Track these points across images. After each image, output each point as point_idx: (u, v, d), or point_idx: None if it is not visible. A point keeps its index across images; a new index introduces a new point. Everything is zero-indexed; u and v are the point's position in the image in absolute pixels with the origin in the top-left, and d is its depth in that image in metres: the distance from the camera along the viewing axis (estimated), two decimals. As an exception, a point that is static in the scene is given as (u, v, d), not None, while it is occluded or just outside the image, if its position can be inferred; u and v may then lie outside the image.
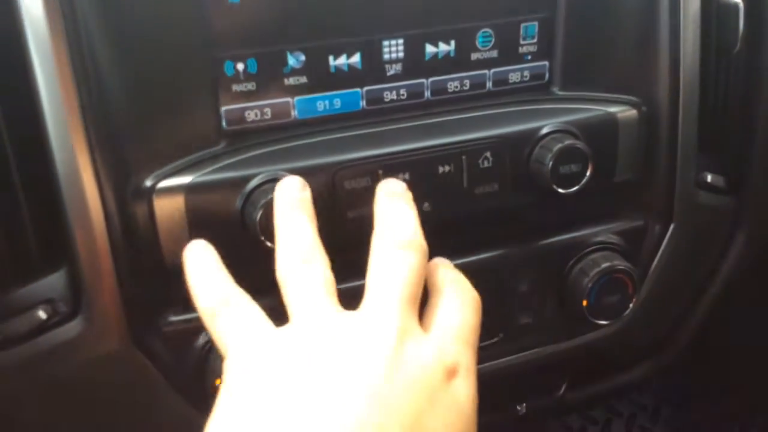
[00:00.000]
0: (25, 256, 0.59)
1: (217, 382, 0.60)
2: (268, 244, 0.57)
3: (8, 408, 0.61)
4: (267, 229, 0.57)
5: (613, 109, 0.68)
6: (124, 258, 0.58)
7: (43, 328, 0.58)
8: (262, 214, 0.57)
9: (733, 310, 0.88)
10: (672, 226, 0.74)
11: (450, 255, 0.68)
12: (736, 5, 0.72)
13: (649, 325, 0.80)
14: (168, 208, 0.57)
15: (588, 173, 0.65)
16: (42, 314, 0.58)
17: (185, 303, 0.61)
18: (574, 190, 0.65)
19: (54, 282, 0.59)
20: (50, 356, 0.58)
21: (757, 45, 0.75)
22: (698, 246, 0.80)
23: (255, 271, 0.63)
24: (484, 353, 0.71)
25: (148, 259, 0.59)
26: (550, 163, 0.64)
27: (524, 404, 0.78)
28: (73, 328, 0.58)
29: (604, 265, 0.70)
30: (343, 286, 0.64)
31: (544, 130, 0.66)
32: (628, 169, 0.70)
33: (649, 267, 0.75)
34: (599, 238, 0.72)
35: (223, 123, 0.62)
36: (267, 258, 0.59)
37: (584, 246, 0.71)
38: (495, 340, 0.71)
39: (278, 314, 0.62)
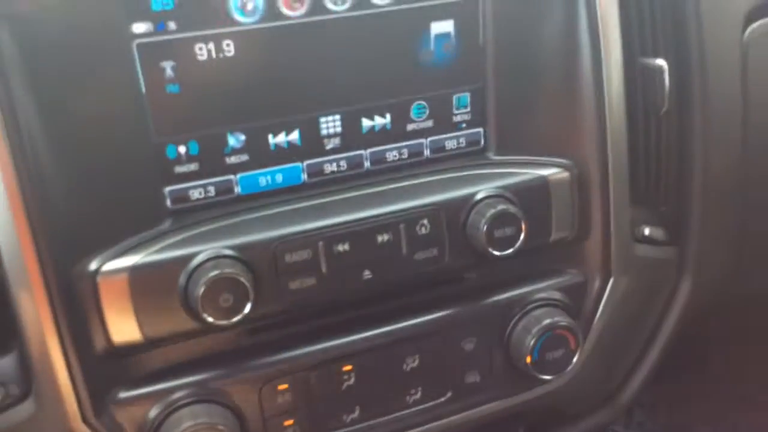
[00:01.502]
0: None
1: (169, 455, 0.62)
2: (210, 320, 0.60)
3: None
4: (209, 305, 0.59)
5: (545, 172, 0.71)
6: (72, 339, 0.60)
7: (-9, 413, 0.60)
8: (204, 291, 0.59)
9: (687, 351, 0.90)
10: (612, 280, 0.77)
11: (393, 319, 0.70)
12: (660, 67, 0.76)
13: (598, 376, 0.82)
14: (112, 289, 0.60)
15: (522, 236, 0.68)
16: (-5, 397, 0.59)
17: (135, 379, 0.63)
18: (509, 253, 0.68)
19: (5, 365, 0.60)
20: (2, 438, 0.60)
21: (685, 104, 0.79)
22: (641, 297, 0.82)
23: (198, 347, 0.66)
24: (434, 412, 0.74)
25: (96, 339, 0.61)
26: (485, 227, 0.67)
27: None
28: (24, 409, 0.60)
29: (546, 321, 0.72)
30: (280, 358, 0.67)
31: (479, 196, 0.69)
32: (563, 228, 0.73)
33: (591, 321, 0.77)
34: (541, 295, 0.74)
35: (168, 203, 0.65)
36: (209, 334, 0.61)
37: (526, 303, 0.74)
38: (443, 399, 0.73)
39: (219, 392, 0.64)
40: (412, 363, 0.71)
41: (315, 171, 0.69)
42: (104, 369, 0.62)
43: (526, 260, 0.73)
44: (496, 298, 0.73)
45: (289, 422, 0.68)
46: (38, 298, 0.57)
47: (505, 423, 0.82)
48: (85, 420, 0.61)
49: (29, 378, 0.60)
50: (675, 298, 0.86)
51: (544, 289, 0.75)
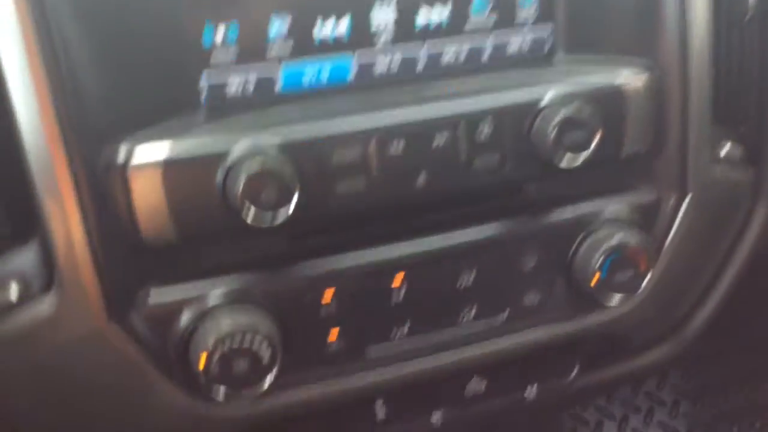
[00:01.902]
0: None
1: (203, 362, 0.58)
2: (251, 219, 0.55)
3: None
4: (250, 203, 0.54)
5: (620, 76, 0.64)
6: (99, 231, 0.55)
7: (12, 306, 0.55)
8: (245, 186, 0.54)
9: (755, 290, 0.84)
10: (687, 199, 0.70)
11: (449, 230, 0.65)
12: (747, -31, 0.68)
13: (663, 305, 0.76)
14: (144, 183, 0.55)
15: (592, 146, 0.61)
16: (12, 291, 0.55)
17: (168, 280, 0.59)
18: (578, 164, 0.61)
19: (24, 256, 0.56)
20: (21, 337, 0.56)
21: (769, 11, 0.71)
22: (715, 221, 0.75)
23: (236, 249, 0.61)
24: (487, 335, 0.69)
25: (126, 234, 0.56)
26: (552, 134, 0.60)
27: (533, 388, 0.74)
28: (45, 305, 0.56)
29: (615, 240, 0.66)
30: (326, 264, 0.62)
31: (546, 100, 0.62)
32: (637, 140, 0.66)
33: (663, 243, 0.71)
34: (609, 213, 0.68)
35: (203, 92, 0.58)
36: (248, 232, 0.56)
37: (593, 220, 0.67)
38: (498, 322, 0.68)
39: (259, 298, 0.59)
40: (467, 279, 0.65)
41: (364, 68, 0.62)
42: (134, 265, 0.58)
43: (595, 174, 0.67)
44: (560, 213, 0.67)
45: (333, 335, 0.63)
46: (63, 181, 0.53)
47: (559, 356, 0.76)
48: (111, 319, 0.57)
49: (51, 271, 0.56)
50: (749, 225, 0.79)
51: (614, 206, 0.68)
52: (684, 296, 0.78)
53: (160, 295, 0.59)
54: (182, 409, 0.61)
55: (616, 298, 0.67)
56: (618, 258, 0.66)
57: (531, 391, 0.74)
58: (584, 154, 0.61)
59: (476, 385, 0.74)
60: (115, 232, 0.56)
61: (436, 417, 0.72)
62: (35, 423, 0.61)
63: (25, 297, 0.56)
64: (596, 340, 0.76)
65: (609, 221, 0.68)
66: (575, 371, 0.76)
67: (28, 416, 0.60)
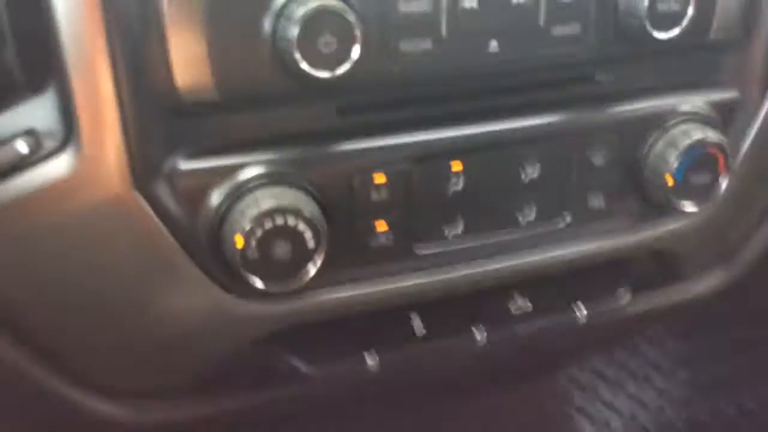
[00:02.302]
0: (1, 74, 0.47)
1: (240, 243, 0.49)
2: (307, 68, 0.46)
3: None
4: (307, 50, 0.46)
5: None
6: (128, 78, 0.46)
7: (22, 164, 0.46)
8: (301, 30, 0.46)
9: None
10: (768, 100, 0.63)
11: (515, 114, 0.57)
12: None
13: (727, 222, 0.69)
14: (182, 23, 0.46)
15: (689, 12, 0.54)
16: (20, 146, 0.46)
17: (203, 148, 0.50)
18: (673, 35, 0.54)
19: (37, 107, 0.47)
20: (28, 200, 0.47)
21: None
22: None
23: (280, 121, 0.52)
24: (545, 240, 0.62)
25: (159, 87, 0.47)
26: (645, 2, 0.53)
27: (584, 310, 0.67)
28: (61, 164, 0.47)
29: (696, 136, 0.59)
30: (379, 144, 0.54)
31: None
32: (727, 24, 0.59)
33: (740, 147, 0.64)
34: (688, 109, 0.61)
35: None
36: (296, 96, 0.48)
37: (671, 115, 0.60)
38: (560, 225, 0.61)
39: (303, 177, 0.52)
40: (531, 172, 0.58)
41: None
42: (165, 127, 0.49)
43: (677, 63, 0.60)
44: (635, 105, 0.60)
45: (381, 226, 0.55)
46: (90, 22, 0.44)
47: (613, 277, 0.69)
48: (135, 186, 0.48)
49: (69, 126, 0.47)
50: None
51: (692, 102, 0.61)
52: (745, 216, 0.72)
53: (192, 165, 0.50)
54: (208, 299, 0.53)
55: (689, 204, 0.61)
56: (696, 157, 0.59)
57: (582, 314, 0.67)
58: (675, 29, 0.54)
59: (524, 302, 0.67)
60: (147, 86, 0.47)
61: (480, 335, 0.64)
62: (39, 299, 0.52)
63: (36, 154, 0.46)
64: (654, 259, 0.69)
65: (687, 118, 0.61)
66: (628, 295, 0.69)
67: (32, 289, 0.51)
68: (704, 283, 0.75)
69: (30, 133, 0.46)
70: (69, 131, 0.47)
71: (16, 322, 0.53)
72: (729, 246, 0.73)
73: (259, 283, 0.51)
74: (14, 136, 0.46)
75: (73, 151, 0.47)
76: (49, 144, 0.47)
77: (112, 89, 0.46)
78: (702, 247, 0.70)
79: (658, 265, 0.71)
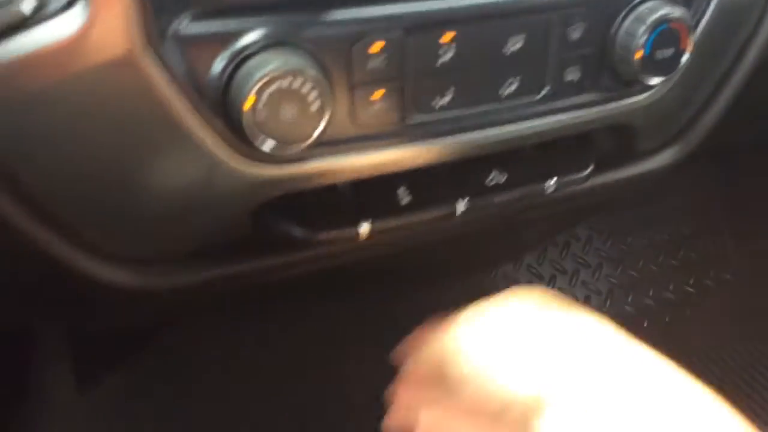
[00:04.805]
0: None
1: (249, 103, 0.51)
2: None
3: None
4: None
5: None
6: None
7: (26, 23, 0.46)
8: None
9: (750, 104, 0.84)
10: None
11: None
12: None
13: (682, 98, 0.75)
14: None
15: None
16: (26, 5, 0.46)
17: (207, 9, 0.51)
18: None
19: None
20: (35, 61, 0.47)
21: None
22: (735, 19, 0.74)
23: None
24: (525, 111, 0.66)
25: None
26: None
27: (553, 181, 0.73)
28: (67, 23, 0.47)
29: (662, 11, 0.63)
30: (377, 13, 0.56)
31: None
32: None
33: (697, 24, 0.69)
34: (653, -12, 0.65)
35: None
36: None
37: (639, -5, 0.65)
38: (538, 96, 0.65)
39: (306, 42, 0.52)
40: (515, 44, 0.61)
41: None
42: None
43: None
44: (607, -19, 0.64)
45: (377, 95, 0.58)
46: None
47: (578, 150, 0.75)
48: (146, 45, 0.49)
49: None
50: (756, 34, 0.79)
51: (655, -20, 0.66)
52: (698, 93, 0.78)
53: (200, 27, 0.51)
54: (214, 162, 0.55)
55: (656, 76, 0.66)
56: (662, 32, 0.64)
57: (550, 185, 0.73)
58: None
59: (498, 176, 0.71)
60: None
61: (460, 205, 0.69)
62: (42, 162, 0.53)
63: (41, 11, 0.47)
64: (616, 133, 0.75)
65: (653, -3, 0.65)
66: (591, 166, 0.75)
67: (35, 152, 0.52)
68: (659, 158, 0.82)
69: (34, -12, 0.46)
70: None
71: (16, 184, 0.54)
72: (682, 122, 0.79)
73: (265, 145, 0.53)
74: (18, -7, 0.46)
75: (82, 9, 0.47)
76: (54, 3, 0.47)
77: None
78: (660, 122, 0.76)
79: (619, 140, 0.77)
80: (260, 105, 0.52)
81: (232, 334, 0.97)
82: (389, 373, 0.65)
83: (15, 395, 0.90)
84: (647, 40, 0.64)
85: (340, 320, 1.16)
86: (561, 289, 1.47)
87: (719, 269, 1.50)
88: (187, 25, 0.51)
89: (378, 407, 0.65)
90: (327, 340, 1.14)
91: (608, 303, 1.49)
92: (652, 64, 0.65)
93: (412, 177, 0.67)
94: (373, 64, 0.57)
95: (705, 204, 1.43)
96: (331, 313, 1.06)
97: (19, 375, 0.92)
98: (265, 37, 0.52)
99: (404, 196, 0.68)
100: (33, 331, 0.94)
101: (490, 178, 0.71)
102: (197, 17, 0.51)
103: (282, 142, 0.54)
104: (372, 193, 0.67)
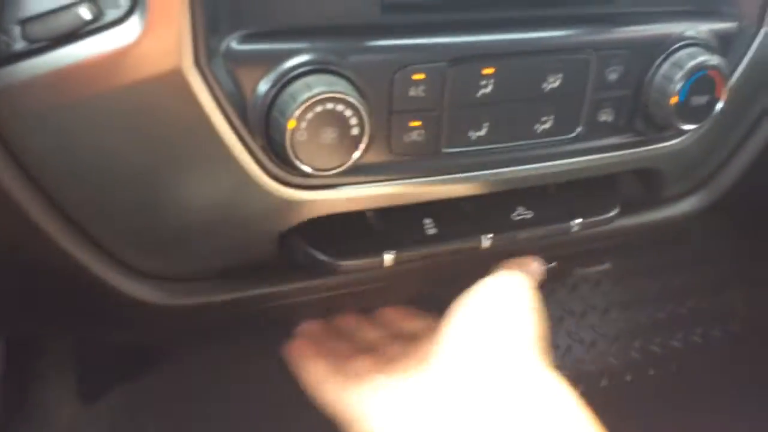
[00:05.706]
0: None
1: (291, 125, 0.51)
2: None
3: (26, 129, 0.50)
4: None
5: None
6: None
7: (82, 32, 0.47)
8: None
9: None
10: (763, 32, 0.69)
11: (544, 27, 0.61)
12: None
13: (713, 145, 0.75)
14: None
15: None
16: (84, 12, 0.46)
17: (256, 30, 0.52)
18: None
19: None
20: (87, 69, 0.47)
21: None
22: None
23: (326, 11, 0.54)
24: (558, 149, 0.66)
25: None
26: None
27: (577, 221, 0.72)
28: (122, 34, 0.47)
29: (700, 59, 0.64)
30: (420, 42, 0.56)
31: None
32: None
33: (732, 72, 0.69)
34: (692, 34, 0.65)
35: None
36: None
37: (678, 39, 0.65)
38: (572, 134, 0.65)
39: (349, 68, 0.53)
40: (554, 81, 0.62)
41: None
42: (231, 3, 0.50)
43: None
44: (649, 26, 0.64)
45: (415, 123, 0.58)
46: None
47: (604, 193, 0.75)
48: (195, 62, 0.49)
49: (131, -1, 0.47)
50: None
51: (697, 28, 0.66)
52: (724, 143, 0.78)
53: (248, 47, 0.51)
54: (251, 182, 0.55)
55: (689, 124, 0.66)
56: (699, 79, 0.64)
57: (575, 224, 0.72)
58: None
59: (524, 212, 0.71)
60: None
61: (485, 239, 0.69)
62: (81, 171, 0.52)
63: (98, 21, 0.47)
64: (643, 177, 0.75)
65: (691, 43, 0.65)
66: (617, 208, 0.75)
67: (76, 159, 0.52)
68: (683, 205, 0.81)
69: (92, 1, 0.47)
70: (134, 2, 0.47)
71: (52, 192, 0.53)
72: (709, 170, 0.79)
73: (305, 166, 0.53)
74: (77, 2, 0.46)
75: (138, 21, 0.47)
76: (111, 13, 0.47)
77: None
78: (686, 168, 0.76)
79: (645, 184, 0.77)
80: (302, 127, 0.52)
81: (239, 352, 0.96)
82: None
83: (18, 408, 0.89)
84: (684, 86, 0.64)
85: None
86: (568, 331, 1.46)
87: (727, 321, 1.49)
88: (237, 45, 0.51)
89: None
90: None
91: (614, 347, 1.48)
92: (686, 111, 0.65)
93: (438, 208, 0.67)
94: (413, 92, 0.57)
95: (718, 253, 1.43)
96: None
97: (23, 388, 0.91)
98: (311, 60, 0.53)
99: (430, 228, 0.68)
100: (39, 344, 0.93)
101: (516, 213, 0.71)
102: (247, 38, 0.51)
103: (321, 163, 0.54)
104: (398, 223, 0.67)
